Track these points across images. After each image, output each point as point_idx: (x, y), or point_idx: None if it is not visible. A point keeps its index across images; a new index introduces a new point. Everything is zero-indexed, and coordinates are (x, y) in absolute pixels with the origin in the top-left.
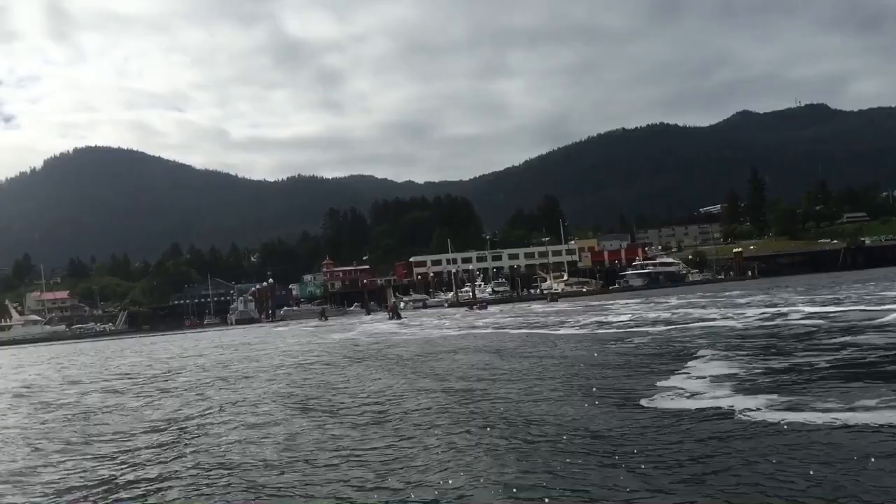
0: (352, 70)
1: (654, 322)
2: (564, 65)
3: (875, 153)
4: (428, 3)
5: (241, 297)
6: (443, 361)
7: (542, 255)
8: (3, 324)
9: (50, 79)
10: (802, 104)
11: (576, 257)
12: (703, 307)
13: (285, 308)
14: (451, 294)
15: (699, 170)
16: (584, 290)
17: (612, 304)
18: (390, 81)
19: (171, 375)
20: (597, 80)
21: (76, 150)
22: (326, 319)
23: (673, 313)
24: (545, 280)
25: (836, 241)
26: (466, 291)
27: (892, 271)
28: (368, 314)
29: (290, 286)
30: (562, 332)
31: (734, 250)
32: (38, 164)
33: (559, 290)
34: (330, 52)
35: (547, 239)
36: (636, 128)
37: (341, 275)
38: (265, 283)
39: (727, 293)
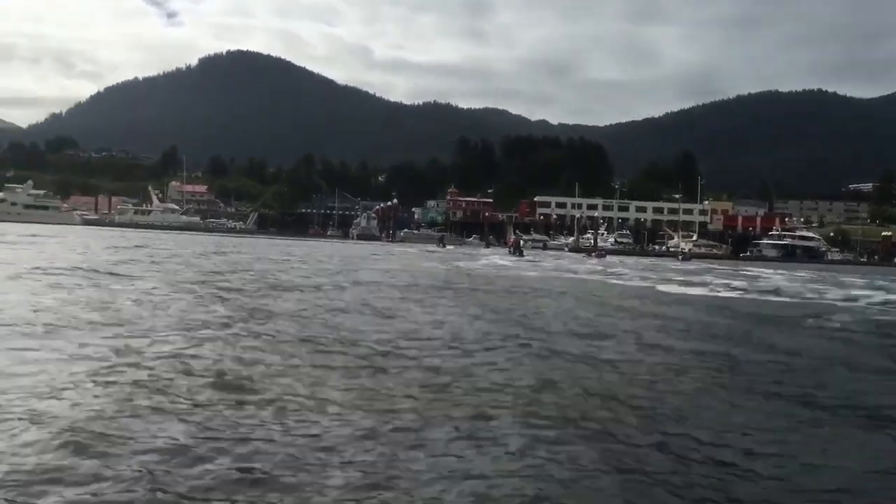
0: (501, 1)
1: (849, 299)
2: (724, 15)
3: None
4: None
5: (364, 214)
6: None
7: (672, 211)
8: (144, 208)
9: None
10: None
11: (706, 219)
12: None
13: (405, 230)
14: (571, 238)
15: (853, 144)
16: (715, 252)
17: (755, 271)
18: (538, 16)
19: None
20: (756, 36)
21: (229, 53)
22: (444, 246)
23: (851, 293)
24: (672, 238)
25: None
26: (588, 238)
27: None
28: (488, 247)
29: (413, 209)
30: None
31: (883, 234)
32: (193, 62)
33: (687, 250)
34: None
35: (678, 196)
36: (790, 91)
37: (464, 205)
38: (389, 203)
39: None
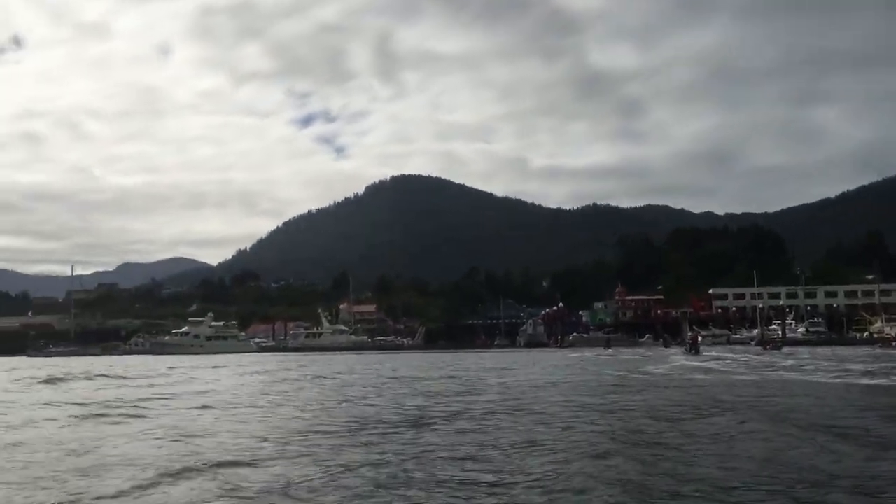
0: (652, 99)
1: None
2: (893, 88)
3: None
4: (737, 29)
5: (531, 320)
6: None
7: (867, 294)
8: (314, 331)
9: (376, 113)
10: None
11: None
12: None
13: (574, 334)
14: (756, 331)
15: None
16: None
17: None
18: (692, 110)
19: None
20: None
21: (392, 178)
22: (611, 349)
23: None
24: (873, 323)
25: None
26: (774, 329)
27: None
28: (667, 346)
29: (580, 312)
30: None
31: None
32: (361, 189)
33: (893, 335)
34: (631, 83)
35: (872, 277)
36: None
37: (633, 304)
38: (556, 308)
39: None
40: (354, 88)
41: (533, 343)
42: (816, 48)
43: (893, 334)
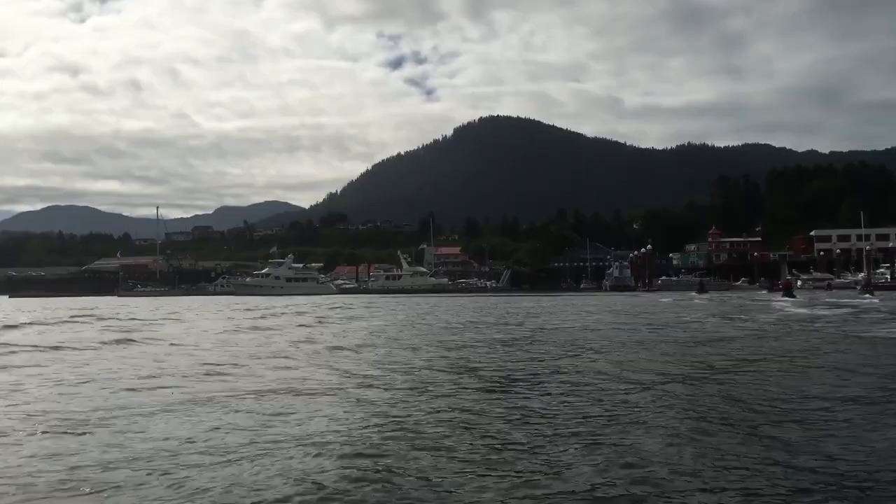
0: (755, 32)
1: None
2: None
3: None
4: None
5: (616, 263)
6: None
7: None
8: (395, 273)
9: (466, 55)
10: None
11: None
12: None
13: (663, 277)
14: (862, 275)
15: None
16: None
17: None
18: (798, 43)
19: None
20: None
21: (481, 119)
22: (706, 293)
23: None
24: None
25: None
26: (882, 273)
27: None
28: (768, 290)
29: (670, 255)
30: None
31: None
32: (449, 132)
33: None
34: (733, 15)
35: None
36: None
37: (728, 246)
38: (643, 250)
39: None
40: (444, 30)
41: (619, 287)
42: None
43: None
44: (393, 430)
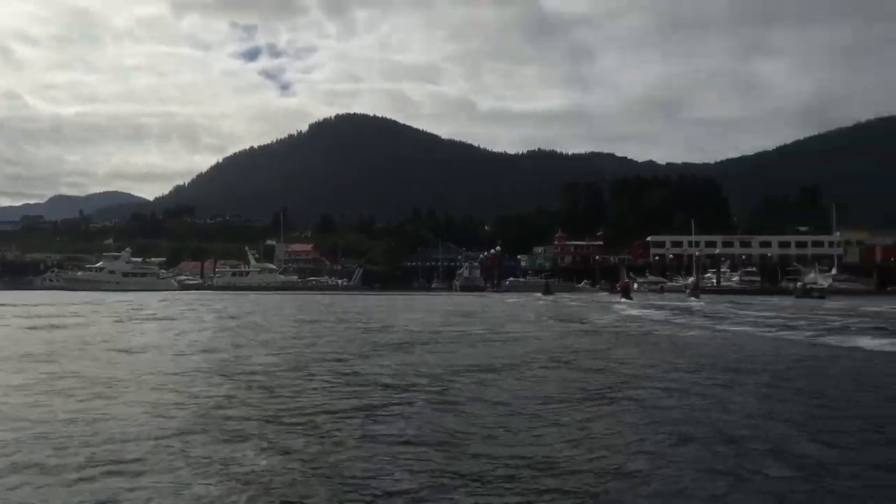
0: (602, 46)
1: None
2: (836, 44)
3: None
4: None
5: (467, 264)
6: None
7: (800, 245)
8: (241, 270)
9: (323, 51)
10: None
11: (840, 251)
12: None
13: (511, 279)
14: (691, 279)
15: None
16: (860, 287)
17: None
18: (641, 59)
19: None
20: (872, 63)
21: (338, 117)
22: (551, 294)
23: None
24: (809, 273)
25: None
26: (710, 277)
27: None
28: (607, 292)
29: (518, 257)
30: None
31: None
32: (304, 128)
33: (825, 286)
34: (582, 28)
35: (805, 229)
36: None
37: (573, 249)
38: (493, 251)
39: None
40: (302, 24)
41: (469, 287)
42: (762, 2)
43: (824, 285)
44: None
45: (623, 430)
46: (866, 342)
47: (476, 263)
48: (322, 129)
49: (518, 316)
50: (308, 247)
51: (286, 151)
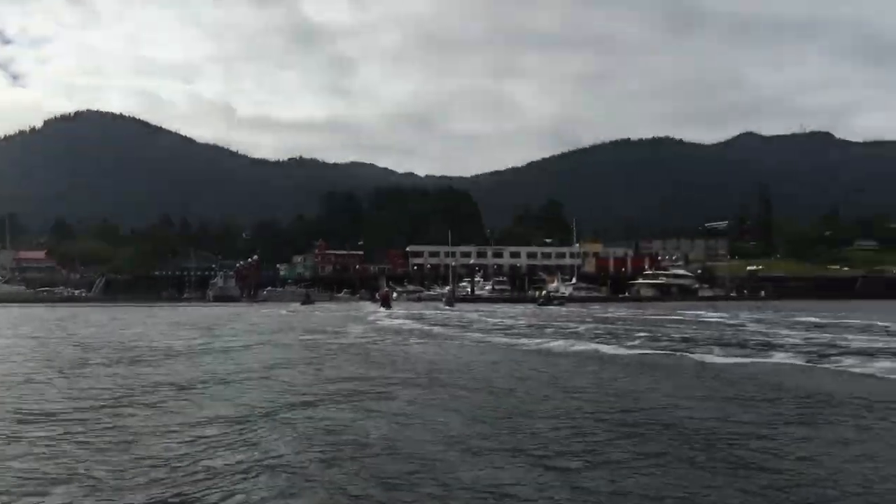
0: (364, 58)
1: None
2: (577, 71)
3: (878, 185)
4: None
5: (221, 273)
6: None
7: (546, 256)
8: None
9: (61, 40)
10: (807, 130)
11: (579, 261)
12: None
13: (269, 288)
14: (448, 288)
15: (702, 186)
16: (596, 294)
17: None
18: (401, 72)
19: None
20: (607, 89)
21: (78, 113)
22: (312, 303)
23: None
24: (552, 282)
25: (846, 268)
26: (465, 286)
27: None
28: (367, 301)
29: (277, 266)
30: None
31: (748, 268)
32: (39, 123)
33: (566, 294)
34: (344, 39)
35: (549, 240)
36: (641, 139)
37: (333, 258)
38: (250, 260)
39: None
40: (36, 10)
41: (223, 297)
42: (515, 26)
43: (565, 293)
44: None
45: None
46: (557, 344)
47: (232, 273)
48: (60, 126)
49: (260, 326)
50: (41, 254)
51: (17, 148)
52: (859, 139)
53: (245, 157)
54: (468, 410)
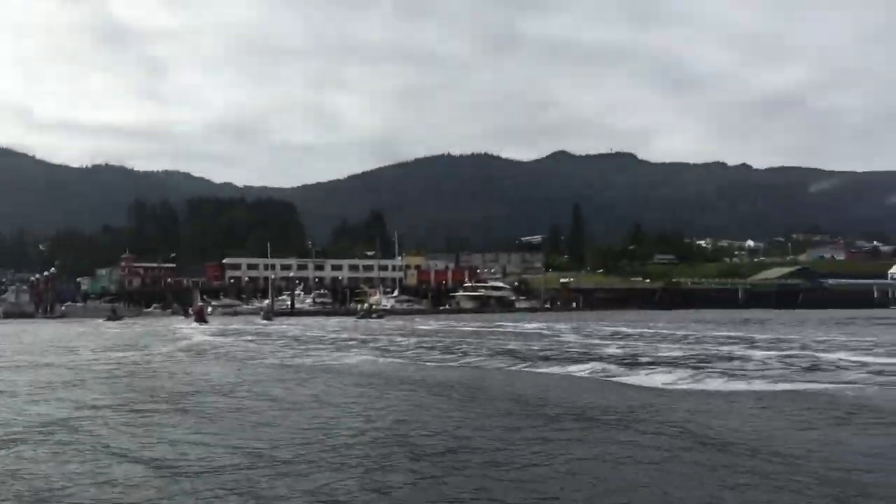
0: (180, 62)
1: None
2: (400, 86)
3: (674, 203)
4: (266, 6)
5: (13, 287)
6: None
7: (368, 268)
8: None
9: None
10: (613, 151)
11: (401, 274)
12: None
13: (68, 303)
14: (266, 301)
15: (518, 201)
16: (416, 307)
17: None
18: (220, 80)
19: None
20: (428, 105)
21: None
22: (119, 319)
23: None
24: (374, 294)
25: (647, 281)
26: (284, 300)
27: (704, 313)
28: (181, 316)
29: (79, 280)
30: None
31: (561, 281)
32: None
33: (388, 307)
34: (158, 41)
35: (372, 253)
36: (462, 154)
37: (142, 272)
38: (46, 273)
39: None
40: None
41: (14, 313)
42: (338, 38)
43: (387, 306)
44: None
45: None
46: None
47: (25, 287)
48: None
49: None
50: None
51: None
52: (659, 160)
53: (44, 162)
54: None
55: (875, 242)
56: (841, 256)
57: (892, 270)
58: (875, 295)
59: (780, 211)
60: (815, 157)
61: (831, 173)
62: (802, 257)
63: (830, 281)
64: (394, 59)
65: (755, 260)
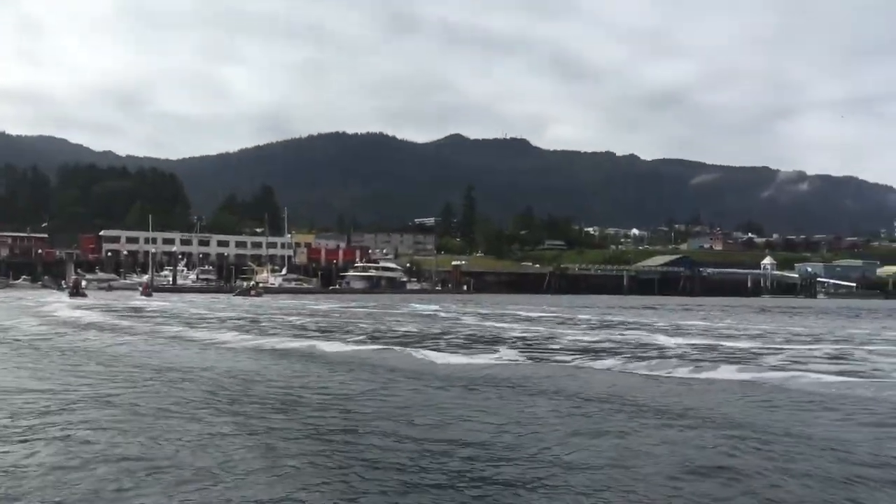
0: (57, 22)
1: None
2: (294, 62)
3: (564, 190)
4: None
5: None
6: None
7: (256, 245)
8: None
9: None
10: (507, 136)
11: (291, 252)
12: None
13: None
14: (146, 277)
15: (412, 182)
16: (305, 286)
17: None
18: (102, 43)
19: None
20: (323, 83)
21: None
22: None
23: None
24: (260, 272)
25: (537, 266)
26: (166, 275)
27: (594, 298)
28: (50, 289)
29: None
30: None
31: (453, 263)
32: None
33: (276, 285)
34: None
35: (261, 230)
36: (356, 134)
37: (11, 241)
38: None
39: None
40: None
41: None
42: (231, 6)
43: (275, 284)
44: None
45: None
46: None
47: None
48: None
49: None
50: None
51: None
52: (550, 147)
53: None
54: None
55: (750, 234)
56: (719, 247)
57: (764, 262)
58: (749, 284)
59: (664, 201)
60: (696, 150)
61: (711, 167)
62: (684, 246)
63: (709, 270)
64: (289, 34)
65: (640, 248)
